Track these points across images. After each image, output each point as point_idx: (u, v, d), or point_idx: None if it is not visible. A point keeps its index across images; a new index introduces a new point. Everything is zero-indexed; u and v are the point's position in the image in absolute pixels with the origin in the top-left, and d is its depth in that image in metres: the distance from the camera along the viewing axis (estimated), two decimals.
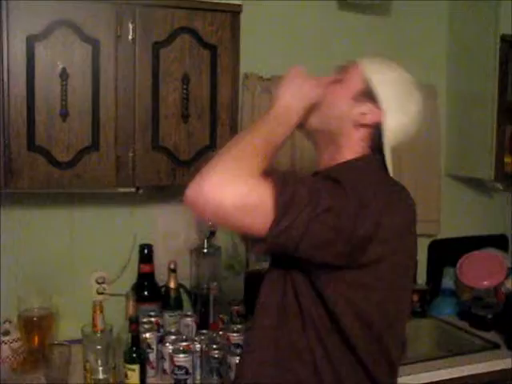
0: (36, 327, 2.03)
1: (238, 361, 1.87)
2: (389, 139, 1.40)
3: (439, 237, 2.84)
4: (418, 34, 2.75)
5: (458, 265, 2.74)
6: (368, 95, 1.39)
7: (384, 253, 1.27)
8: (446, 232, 2.82)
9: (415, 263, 1.53)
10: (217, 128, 2.04)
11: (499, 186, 2.70)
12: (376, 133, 1.40)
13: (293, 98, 1.37)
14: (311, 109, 1.40)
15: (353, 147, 1.41)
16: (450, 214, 2.81)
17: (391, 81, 1.42)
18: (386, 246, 1.27)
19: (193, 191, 1.19)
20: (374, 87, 1.39)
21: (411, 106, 1.42)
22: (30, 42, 1.79)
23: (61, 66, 1.82)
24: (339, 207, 1.21)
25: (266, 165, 1.26)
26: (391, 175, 1.42)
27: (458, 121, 2.78)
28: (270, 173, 1.23)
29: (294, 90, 1.38)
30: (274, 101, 1.38)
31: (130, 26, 1.89)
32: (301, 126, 1.42)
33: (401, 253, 1.33)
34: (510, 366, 2.25)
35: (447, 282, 2.75)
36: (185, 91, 1.97)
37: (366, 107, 1.39)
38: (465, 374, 2.18)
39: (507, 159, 2.68)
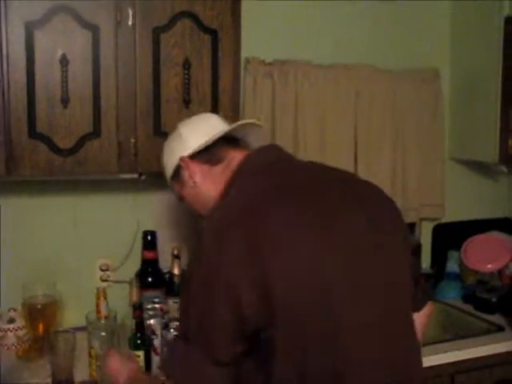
0: (40, 315, 2.04)
1: None
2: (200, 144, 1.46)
3: (443, 220, 2.83)
4: (422, 17, 2.72)
5: (462, 248, 2.73)
6: (176, 176, 1.50)
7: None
8: (451, 216, 2.81)
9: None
10: (219, 113, 2.00)
11: (503, 168, 2.68)
12: (204, 157, 1.45)
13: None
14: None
15: (214, 183, 1.43)
16: (454, 197, 2.80)
17: (164, 154, 1.56)
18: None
19: None
20: (169, 173, 1.53)
21: (178, 137, 1.52)
22: (29, 29, 1.77)
23: (60, 53, 1.81)
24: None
25: None
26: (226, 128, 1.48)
27: (462, 104, 2.75)
28: None
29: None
30: None
31: (130, 12, 1.87)
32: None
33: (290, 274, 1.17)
34: None
35: (452, 266, 2.75)
36: (186, 76, 1.96)
37: (183, 176, 1.48)
38: (470, 356, 2.19)
39: (511, 142, 2.66)
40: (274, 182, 1.30)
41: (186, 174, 1.47)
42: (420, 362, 1.36)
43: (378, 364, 1.22)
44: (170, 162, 1.53)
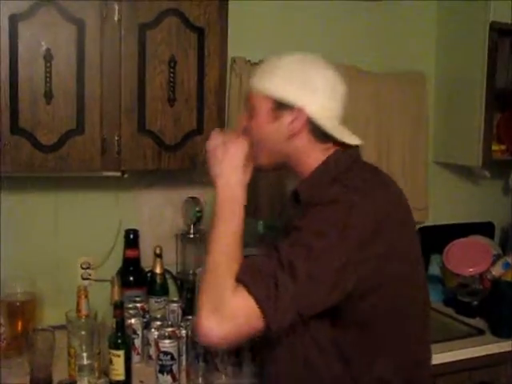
0: (19, 312, 2.01)
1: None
2: (325, 121, 1.39)
3: (426, 224, 2.83)
4: (408, 20, 2.73)
5: (444, 252, 2.74)
6: (280, 106, 1.39)
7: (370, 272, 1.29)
8: (433, 219, 2.82)
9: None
10: (204, 112, 2.01)
11: (487, 173, 2.70)
12: (312, 126, 1.40)
13: (227, 171, 1.38)
14: (250, 155, 1.41)
15: (308, 153, 1.42)
16: (437, 201, 2.81)
17: (282, 76, 1.40)
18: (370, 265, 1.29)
19: (199, 335, 1.27)
20: (277, 94, 1.38)
21: (317, 82, 1.40)
22: (13, 22, 1.74)
23: (45, 47, 1.78)
24: (320, 252, 1.24)
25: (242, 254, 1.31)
26: (357, 143, 1.45)
27: (446, 108, 2.77)
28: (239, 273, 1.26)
29: (222, 164, 1.39)
30: (215, 189, 1.38)
31: (116, 7, 1.85)
32: (259, 170, 1.45)
33: (390, 256, 1.33)
34: (495, 351, 2.27)
35: (434, 269, 2.75)
36: (171, 74, 1.94)
37: (287, 117, 1.39)
38: (450, 359, 2.19)
39: (495, 147, 2.69)
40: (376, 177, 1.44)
41: (287, 121, 1.39)
42: None
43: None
44: (287, 91, 1.38)
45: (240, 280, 1.24)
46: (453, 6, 2.73)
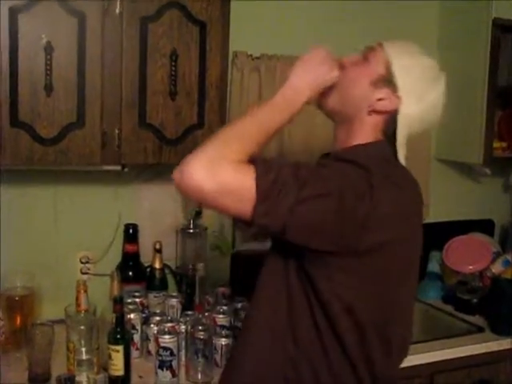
0: (18, 307, 2.00)
1: (225, 343, 1.88)
2: (404, 127, 1.37)
3: (426, 221, 2.82)
4: (409, 17, 2.71)
5: (443, 249, 2.74)
6: (388, 81, 1.37)
7: (383, 240, 1.25)
8: (434, 216, 2.81)
9: (420, 256, 1.50)
10: (205, 106, 2.00)
11: (487, 171, 2.70)
12: (391, 120, 1.38)
13: (304, 80, 1.35)
14: (329, 88, 1.38)
15: (366, 132, 1.39)
16: (437, 197, 2.80)
17: (413, 67, 1.38)
18: (386, 233, 1.26)
19: (177, 174, 1.19)
20: (395, 74, 1.36)
21: (430, 94, 1.39)
22: (14, 14, 1.72)
23: (45, 40, 1.76)
24: (338, 189, 1.20)
25: (256, 151, 1.25)
26: (402, 163, 1.41)
27: (448, 104, 2.74)
28: (255, 159, 1.22)
29: (309, 71, 1.35)
30: (285, 80, 1.35)
31: (118, 0, 1.84)
32: (319, 105, 1.42)
33: (402, 242, 1.32)
34: (494, 349, 2.27)
35: (433, 266, 2.75)
36: (173, 68, 1.93)
37: (384, 93, 1.37)
38: (450, 357, 2.20)
39: (496, 144, 2.68)
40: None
41: (381, 95, 1.36)
42: None
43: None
44: (405, 73, 1.36)
45: (252, 161, 1.20)
46: (455, 3, 2.72)
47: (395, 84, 1.36)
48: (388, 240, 1.27)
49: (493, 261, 2.65)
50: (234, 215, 1.25)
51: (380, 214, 1.23)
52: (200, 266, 2.16)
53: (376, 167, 1.27)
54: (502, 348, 2.28)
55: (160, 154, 1.95)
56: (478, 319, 2.45)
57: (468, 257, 2.66)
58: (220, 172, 1.16)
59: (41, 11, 1.75)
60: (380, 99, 1.36)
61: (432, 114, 1.42)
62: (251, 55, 2.34)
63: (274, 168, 1.19)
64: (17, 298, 2.00)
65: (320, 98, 1.40)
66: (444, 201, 2.86)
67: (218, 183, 1.15)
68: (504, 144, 2.75)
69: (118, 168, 1.97)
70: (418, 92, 1.37)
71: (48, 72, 1.78)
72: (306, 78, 1.35)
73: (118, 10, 1.84)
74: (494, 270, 2.62)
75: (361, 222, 1.21)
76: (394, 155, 1.41)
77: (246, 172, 1.18)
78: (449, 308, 2.57)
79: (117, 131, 1.89)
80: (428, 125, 1.44)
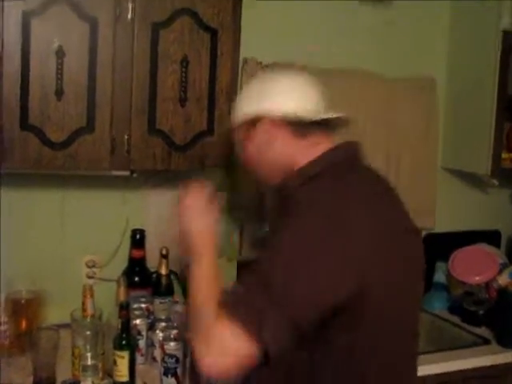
0: (24, 310, 1.99)
1: None
2: (292, 117, 1.39)
3: (432, 231, 2.82)
4: (420, 25, 2.72)
5: (450, 259, 2.73)
6: (250, 124, 1.43)
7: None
8: (440, 226, 2.80)
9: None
10: (214, 113, 2.00)
11: (495, 181, 2.68)
12: (285, 126, 1.40)
13: (188, 224, 1.41)
14: (262, 178, 1.48)
15: (294, 156, 1.40)
16: (444, 207, 2.80)
17: (245, 96, 1.49)
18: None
19: (203, 372, 1.23)
20: (244, 117, 1.44)
21: (274, 88, 1.43)
22: (26, 17, 1.73)
23: (57, 44, 1.76)
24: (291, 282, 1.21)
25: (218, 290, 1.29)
26: (329, 116, 1.42)
27: (457, 114, 2.75)
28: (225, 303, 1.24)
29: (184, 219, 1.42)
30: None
31: (130, 6, 1.84)
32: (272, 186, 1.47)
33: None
34: (500, 362, 2.26)
35: (439, 277, 2.74)
36: (183, 74, 1.93)
37: (259, 128, 1.41)
38: (455, 368, 2.18)
39: (504, 155, 2.67)
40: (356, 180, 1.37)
41: (262, 132, 1.41)
42: None
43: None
44: (249, 107, 1.44)
45: (223, 312, 1.22)
46: (465, 12, 2.71)
47: (250, 116, 1.43)
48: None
49: (499, 272, 2.64)
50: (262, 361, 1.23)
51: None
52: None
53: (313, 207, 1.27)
54: (508, 361, 2.26)
55: (169, 160, 1.95)
56: (484, 331, 2.44)
57: (474, 268, 2.66)
58: (218, 352, 1.20)
59: (53, 16, 1.76)
60: (263, 132, 1.41)
61: (294, 93, 1.42)
62: (261, 62, 2.33)
63: (239, 298, 1.23)
64: (22, 302, 2.00)
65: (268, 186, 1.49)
66: (450, 211, 2.85)
67: (225, 359, 1.20)
68: None
69: (127, 173, 1.97)
70: (263, 96, 1.42)
71: (59, 76, 1.78)
72: (189, 221, 1.42)
73: (129, 16, 1.84)
74: (500, 282, 2.61)
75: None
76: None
77: (229, 330, 1.19)
78: (455, 319, 2.56)
79: (126, 137, 1.89)
80: (305, 101, 1.43)
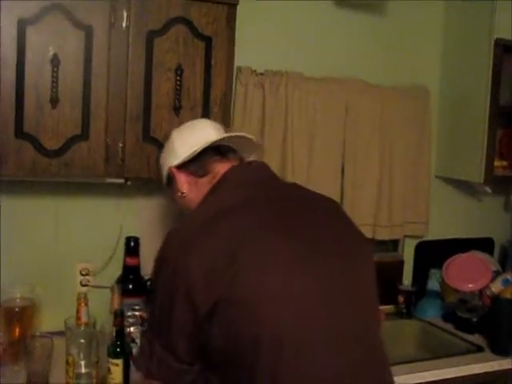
0: (17, 318, 1.98)
1: None
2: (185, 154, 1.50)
3: (426, 238, 2.83)
4: (413, 35, 2.74)
5: (443, 267, 2.74)
6: (169, 183, 1.57)
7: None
8: (434, 233, 2.82)
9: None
10: None
11: (488, 189, 2.70)
12: (191, 168, 1.50)
13: None
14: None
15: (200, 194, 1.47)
16: (438, 215, 2.81)
17: (163, 151, 1.61)
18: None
19: None
20: (162, 172, 1.60)
21: (174, 144, 1.55)
22: (22, 26, 1.74)
23: (52, 52, 1.77)
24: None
25: None
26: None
27: (450, 123, 2.77)
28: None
29: None
30: None
31: (125, 14, 1.85)
32: None
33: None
34: (493, 369, 2.26)
35: (433, 284, 2.75)
36: (178, 82, 1.94)
37: (172, 184, 1.54)
38: (449, 376, 2.18)
39: (497, 163, 2.69)
40: (246, 195, 1.37)
41: (175, 182, 1.53)
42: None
43: None
44: (163, 169, 1.59)
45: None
46: (458, 21, 2.74)
47: (165, 170, 1.57)
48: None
49: (493, 280, 2.65)
50: None
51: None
52: None
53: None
54: (501, 368, 2.27)
55: None
56: (477, 338, 2.45)
57: (468, 275, 2.67)
58: None
59: (48, 24, 1.76)
60: (177, 184, 1.53)
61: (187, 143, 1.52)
62: (255, 71, 2.34)
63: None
64: (16, 310, 1.99)
65: None
66: (444, 218, 2.86)
67: None
68: (505, 163, 2.76)
69: (122, 181, 1.97)
70: (169, 151, 1.57)
71: (54, 84, 1.79)
72: None
73: (124, 24, 1.85)
74: (493, 289, 2.62)
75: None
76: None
77: None
78: (449, 326, 2.56)
79: (121, 145, 1.89)
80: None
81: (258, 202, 1.36)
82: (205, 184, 1.48)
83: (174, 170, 1.52)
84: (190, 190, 1.51)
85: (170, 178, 1.55)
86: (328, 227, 1.39)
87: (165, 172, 1.57)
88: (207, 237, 1.26)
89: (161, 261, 1.35)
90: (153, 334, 1.34)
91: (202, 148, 1.47)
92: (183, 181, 1.52)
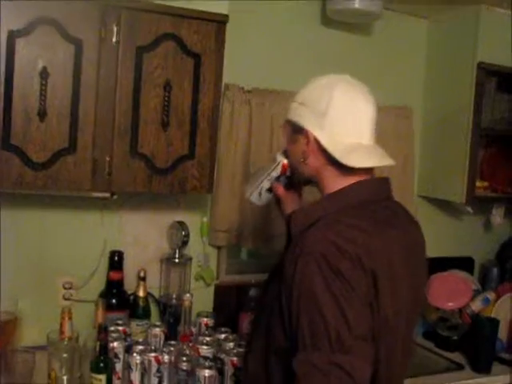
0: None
1: (208, 374, 1.85)
2: (330, 145, 1.37)
3: None
4: (397, 55, 2.79)
5: None
6: (296, 130, 1.43)
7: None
8: None
9: None
10: (196, 138, 2.01)
11: (469, 209, 2.74)
12: (323, 150, 1.38)
13: None
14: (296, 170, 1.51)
15: (324, 179, 1.41)
16: None
17: (302, 101, 1.43)
18: None
19: None
20: (293, 119, 1.43)
21: (328, 105, 1.37)
22: (11, 38, 1.73)
23: (41, 65, 1.77)
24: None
25: None
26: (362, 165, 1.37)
27: (432, 143, 2.81)
28: None
29: None
30: None
31: (115, 29, 1.86)
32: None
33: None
34: None
35: None
36: (166, 98, 1.95)
37: (302, 140, 1.41)
38: None
39: (478, 183, 2.73)
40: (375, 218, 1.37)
41: (302, 142, 1.40)
42: None
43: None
44: (296, 112, 1.43)
45: None
46: (442, 44, 2.80)
47: (298, 124, 1.41)
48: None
49: (473, 298, 2.68)
50: None
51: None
52: (187, 296, 2.15)
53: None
54: None
55: (150, 182, 1.96)
56: (458, 356, 2.47)
57: (448, 294, 2.69)
58: None
59: (38, 36, 1.76)
60: (304, 145, 1.40)
61: (346, 115, 1.39)
62: (243, 88, 2.36)
63: None
64: None
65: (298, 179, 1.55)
66: (426, 237, 2.85)
67: None
68: (486, 183, 2.81)
69: (108, 195, 1.97)
70: (316, 111, 1.38)
71: (42, 97, 1.78)
72: None
73: (114, 39, 1.86)
74: (473, 308, 2.64)
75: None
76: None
77: None
78: (429, 344, 2.59)
79: (107, 158, 1.89)
80: (353, 126, 1.40)
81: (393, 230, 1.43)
82: (329, 174, 1.39)
83: (312, 139, 1.38)
84: (313, 163, 1.40)
85: (299, 131, 1.41)
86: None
87: (299, 117, 1.41)
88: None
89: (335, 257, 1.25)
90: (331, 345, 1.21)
91: (358, 165, 1.36)
92: (314, 153, 1.39)
